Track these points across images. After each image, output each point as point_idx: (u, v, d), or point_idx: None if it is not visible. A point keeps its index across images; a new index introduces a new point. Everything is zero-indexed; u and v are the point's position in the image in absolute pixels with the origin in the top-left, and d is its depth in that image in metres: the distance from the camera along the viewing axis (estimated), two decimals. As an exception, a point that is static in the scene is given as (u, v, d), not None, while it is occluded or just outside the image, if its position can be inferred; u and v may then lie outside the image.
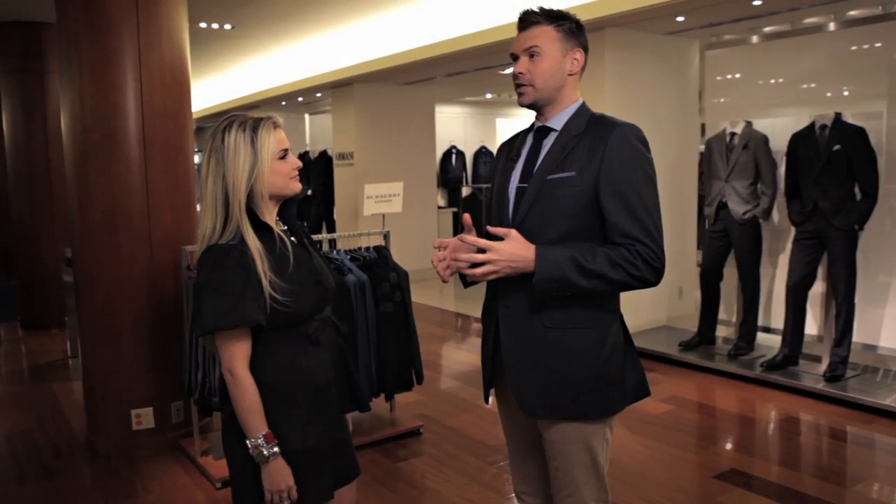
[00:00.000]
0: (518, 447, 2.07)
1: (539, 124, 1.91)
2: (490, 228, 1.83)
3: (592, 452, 1.86)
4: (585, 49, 1.88)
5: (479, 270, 1.75)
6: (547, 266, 1.72)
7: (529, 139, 1.94)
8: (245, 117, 1.78)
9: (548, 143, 1.87)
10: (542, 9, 1.85)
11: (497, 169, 2.02)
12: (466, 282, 1.99)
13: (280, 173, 1.79)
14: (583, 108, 1.88)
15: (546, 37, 1.83)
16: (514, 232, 1.77)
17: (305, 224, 2.20)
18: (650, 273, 1.75)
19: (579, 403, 1.82)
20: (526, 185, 1.85)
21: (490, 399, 2.06)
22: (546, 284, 1.73)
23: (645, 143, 1.81)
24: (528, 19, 1.86)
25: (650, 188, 1.79)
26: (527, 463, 2.06)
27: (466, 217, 1.88)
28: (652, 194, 1.79)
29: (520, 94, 1.88)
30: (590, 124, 1.84)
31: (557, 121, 1.87)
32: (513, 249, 1.75)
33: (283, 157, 1.80)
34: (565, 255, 1.72)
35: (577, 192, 1.77)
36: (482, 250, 1.76)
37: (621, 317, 1.92)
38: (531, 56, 1.84)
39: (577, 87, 1.90)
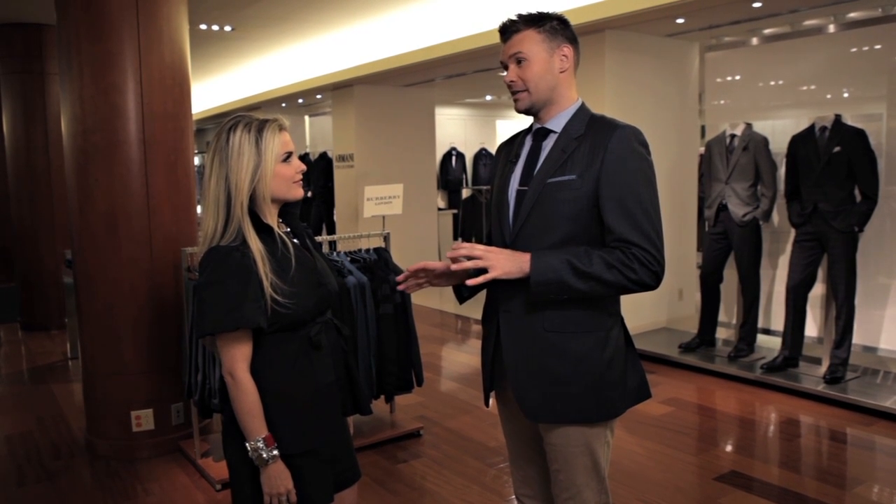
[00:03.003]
0: (518, 450, 2.06)
1: (538, 126, 1.90)
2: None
3: (594, 455, 1.86)
4: (573, 43, 1.85)
5: (470, 263, 1.73)
6: (542, 268, 1.71)
7: (528, 141, 1.92)
8: (251, 118, 1.78)
9: (547, 145, 1.86)
10: (520, 15, 1.84)
11: (496, 171, 2.01)
12: (463, 296, 1.99)
13: (283, 176, 1.79)
14: (582, 110, 1.87)
15: (529, 41, 1.81)
16: (505, 250, 1.79)
17: (307, 225, 2.19)
18: (648, 276, 1.74)
19: (581, 407, 1.82)
20: (526, 188, 1.84)
21: (490, 402, 2.05)
22: (542, 287, 1.72)
23: (645, 145, 1.80)
24: (507, 29, 1.85)
25: (649, 191, 1.78)
26: (527, 465, 2.05)
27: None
28: (651, 197, 1.78)
29: (516, 101, 1.87)
30: (590, 126, 1.82)
31: (556, 122, 1.86)
32: (506, 253, 1.76)
33: (286, 160, 1.80)
34: (560, 258, 1.72)
35: (578, 195, 1.77)
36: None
37: (622, 319, 1.92)
38: (518, 63, 1.83)
39: (573, 86, 1.88)
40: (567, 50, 1.84)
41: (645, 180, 1.78)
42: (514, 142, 1.99)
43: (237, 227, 1.73)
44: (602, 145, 1.77)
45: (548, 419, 1.85)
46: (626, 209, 1.74)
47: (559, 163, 1.80)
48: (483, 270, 1.73)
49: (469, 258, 1.74)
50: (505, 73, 1.87)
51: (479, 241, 2.16)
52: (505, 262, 1.72)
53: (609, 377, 1.83)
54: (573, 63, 1.86)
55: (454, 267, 1.75)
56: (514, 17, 1.84)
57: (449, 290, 2.07)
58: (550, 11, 1.86)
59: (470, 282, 1.75)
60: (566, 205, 1.77)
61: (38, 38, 6.81)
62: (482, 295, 2.02)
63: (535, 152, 1.88)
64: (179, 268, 3.79)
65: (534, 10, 1.85)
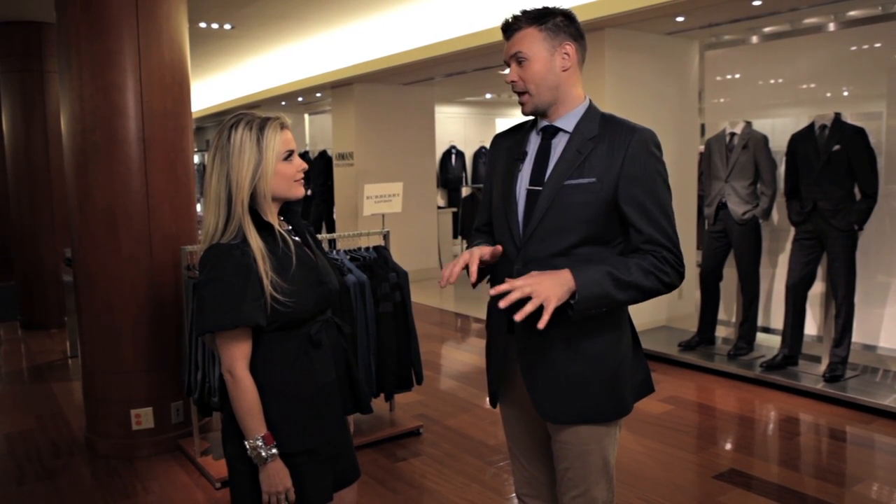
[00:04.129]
0: (522, 449, 2.04)
1: (545, 123, 1.85)
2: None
3: (604, 453, 1.86)
4: (577, 39, 1.81)
5: (533, 307, 1.60)
6: (587, 284, 1.65)
7: (534, 138, 1.88)
8: (253, 116, 1.77)
9: (558, 144, 1.83)
10: (523, 12, 1.80)
11: (496, 167, 1.96)
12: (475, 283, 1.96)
13: (283, 175, 1.78)
14: (592, 109, 1.84)
15: (530, 39, 1.78)
16: (533, 273, 1.68)
17: (308, 223, 2.19)
18: (676, 278, 1.76)
19: (597, 406, 1.82)
20: (538, 188, 1.80)
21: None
22: (588, 304, 1.66)
23: (660, 148, 1.80)
24: (510, 27, 1.81)
25: (668, 194, 1.79)
26: (531, 465, 2.04)
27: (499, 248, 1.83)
28: (669, 200, 1.79)
29: (521, 104, 1.84)
30: (604, 127, 1.80)
31: (566, 121, 1.82)
32: (546, 276, 1.64)
33: (287, 159, 1.79)
34: (601, 271, 1.68)
35: (597, 198, 1.75)
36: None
37: (629, 317, 1.92)
38: (519, 63, 1.80)
39: (578, 83, 1.84)
40: (569, 48, 1.79)
41: (663, 183, 1.78)
42: (515, 136, 1.95)
43: (238, 224, 1.73)
44: (621, 148, 1.75)
45: (565, 419, 1.84)
46: (650, 212, 1.74)
47: (575, 164, 1.77)
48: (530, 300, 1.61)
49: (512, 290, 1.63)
50: (507, 72, 1.84)
51: (473, 238, 2.09)
52: (553, 288, 1.62)
53: (622, 375, 1.84)
54: (576, 61, 1.81)
55: (502, 304, 1.62)
56: (517, 15, 1.80)
57: (449, 290, 2.05)
58: (555, 7, 1.81)
59: (540, 325, 1.60)
60: (584, 207, 1.76)
61: (38, 36, 6.80)
62: (484, 294, 2.01)
63: (545, 151, 1.84)
64: (179, 266, 3.79)
65: (539, 7, 1.81)
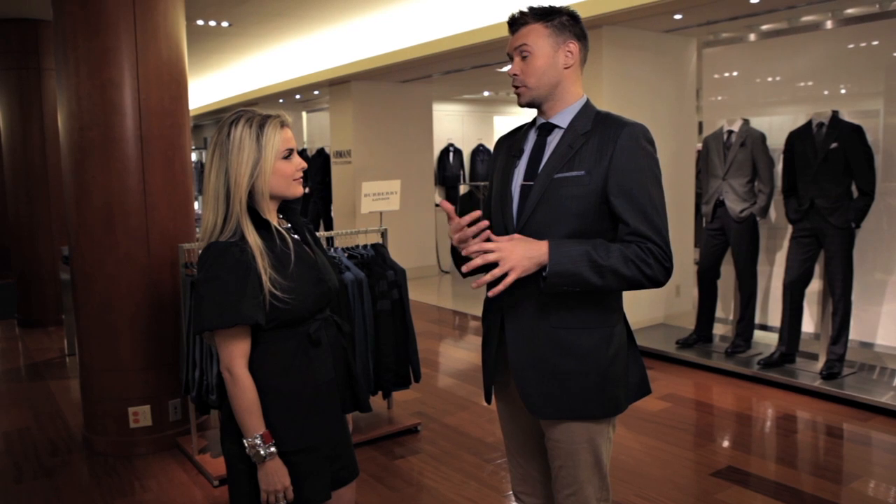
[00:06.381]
0: (518, 447, 2.05)
1: (542, 121, 1.88)
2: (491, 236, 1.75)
3: (597, 451, 1.86)
4: (581, 39, 1.84)
5: (499, 273, 1.66)
6: (561, 260, 1.68)
7: (532, 136, 1.91)
8: (253, 113, 1.77)
9: (552, 140, 1.85)
10: (531, 8, 1.83)
11: (496, 165, 1.98)
12: (464, 273, 1.96)
13: (282, 174, 1.78)
14: (588, 106, 1.86)
15: (535, 35, 1.81)
16: (516, 235, 1.72)
17: (307, 221, 2.19)
18: (661, 272, 1.74)
19: (587, 403, 1.82)
20: (531, 183, 1.83)
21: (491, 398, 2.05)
22: (558, 279, 1.68)
23: (652, 143, 1.81)
24: (516, 21, 1.84)
25: (658, 188, 1.79)
26: (527, 463, 2.05)
27: (446, 204, 1.84)
28: (660, 195, 1.78)
29: (518, 95, 1.87)
30: (597, 123, 1.82)
31: (562, 118, 1.85)
32: (522, 245, 1.68)
33: (287, 157, 1.79)
34: (579, 251, 1.69)
35: (586, 191, 1.76)
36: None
37: (625, 316, 1.92)
38: (522, 56, 1.82)
39: (578, 82, 1.87)
40: (573, 46, 1.82)
41: (653, 178, 1.78)
42: (516, 136, 1.98)
43: (236, 222, 1.72)
44: (611, 142, 1.76)
45: (552, 415, 1.84)
46: (638, 205, 1.74)
47: (566, 158, 1.79)
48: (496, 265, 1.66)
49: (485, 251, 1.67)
50: (507, 68, 1.86)
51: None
52: (522, 260, 1.66)
53: (613, 373, 1.83)
54: (579, 59, 1.85)
55: (475, 285, 1.69)
56: (524, 10, 1.83)
57: (447, 287, 2.05)
58: (561, 7, 1.85)
59: (491, 293, 1.70)
60: (573, 201, 1.77)
61: (35, 33, 6.79)
62: (481, 291, 2.01)
63: (540, 147, 1.87)
64: (176, 264, 3.79)
65: (545, 5, 1.85)
